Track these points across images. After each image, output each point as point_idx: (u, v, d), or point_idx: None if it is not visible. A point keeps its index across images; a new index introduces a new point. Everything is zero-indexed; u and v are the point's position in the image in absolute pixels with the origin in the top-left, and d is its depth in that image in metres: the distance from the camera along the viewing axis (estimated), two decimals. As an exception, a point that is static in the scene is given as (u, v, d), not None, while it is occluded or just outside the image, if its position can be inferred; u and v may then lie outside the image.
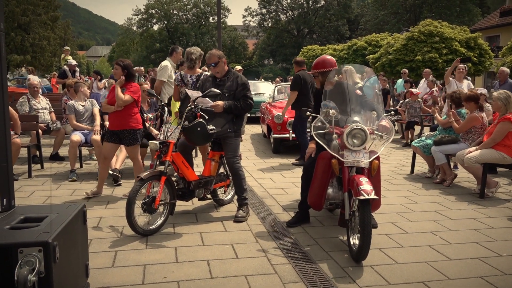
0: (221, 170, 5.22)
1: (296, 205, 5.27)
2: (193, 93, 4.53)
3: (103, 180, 5.48)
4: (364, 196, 3.48)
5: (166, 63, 6.50)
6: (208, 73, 5.62)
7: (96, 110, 7.12)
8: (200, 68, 5.93)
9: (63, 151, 8.43)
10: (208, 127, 4.45)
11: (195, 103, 4.47)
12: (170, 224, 4.55)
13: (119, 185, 6.21)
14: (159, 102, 4.60)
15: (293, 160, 8.34)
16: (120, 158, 6.42)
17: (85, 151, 8.34)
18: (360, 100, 4.10)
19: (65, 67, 12.37)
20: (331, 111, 3.86)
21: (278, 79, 25.75)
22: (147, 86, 7.06)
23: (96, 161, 6.96)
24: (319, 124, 4.00)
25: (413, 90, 11.23)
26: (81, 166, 7.39)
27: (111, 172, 6.11)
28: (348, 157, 3.84)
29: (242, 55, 59.71)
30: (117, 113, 5.17)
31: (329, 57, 4.61)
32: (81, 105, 6.93)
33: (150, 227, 4.27)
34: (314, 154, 4.51)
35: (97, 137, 6.54)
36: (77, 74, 12.63)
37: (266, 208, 5.21)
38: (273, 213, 5.00)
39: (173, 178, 5.40)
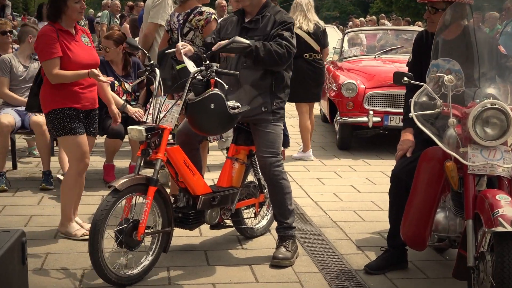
0: (250, 177, 5.25)
1: (379, 240, 5.22)
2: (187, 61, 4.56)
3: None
4: (504, 227, 3.41)
5: None
6: (212, 11, 5.58)
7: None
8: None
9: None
10: (229, 103, 4.46)
11: (207, 63, 4.48)
12: (162, 267, 4.60)
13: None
14: (147, 61, 4.65)
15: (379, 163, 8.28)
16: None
17: (21, 141, 8.53)
18: (498, 60, 4.01)
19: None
20: (447, 77, 3.80)
21: (350, 22, 25.52)
22: (118, 31, 7.14)
23: (40, 158, 7.12)
24: (425, 99, 3.96)
25: None
26: (14, 167, 7.59)
27: (62, 178, 6.24)
28: (476, 157, 3.78)
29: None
30: (92, 82, 5.23)
31: None
32: (23, 65, 7.09)
33: (130, 272, 4.33)
34: (410, 152, 4.46)
35: (39, 118, 6.68)
36: (8, 11, 12.93)
37: (327, 244, 5.20)
38: (339, 253, 5.00)
39: (169, 190, 5.45)
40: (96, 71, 5.00)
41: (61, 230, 5.24)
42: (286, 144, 8.11)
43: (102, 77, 5.09)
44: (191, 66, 4.51)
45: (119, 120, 5.61)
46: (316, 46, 8.43)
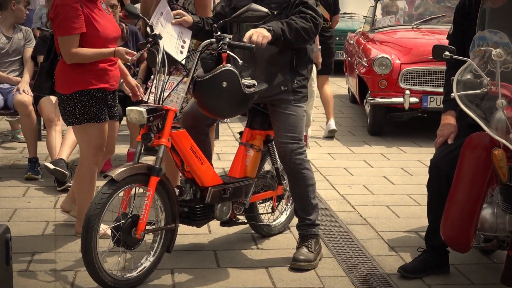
0: (267, 166, 5.27)
1: (416, 240, 5.23)
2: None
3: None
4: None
5: None
6: None
7: (30, 51, 7.28)
8: None
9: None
10: (244, 81, 4.47)
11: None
12: (166, 269, 4.63)
13: (67, 190, 6.36)
14: (148, 30, 4.64)
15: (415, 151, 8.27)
16: (68, 142, 6.58)
17: (4, 123, 8.58)
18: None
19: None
20: (495, 51, 3.78)
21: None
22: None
23: (25, 143, 7.16)
24: (469, 77, 3.94)
25: None
26: (-5, 154, 7.67)
27: (51, 166, 6.28)
28: (528, 145, 3.76)
29: None
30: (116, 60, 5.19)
31: None
32: (5, 36, 7.14)
33: (128, 275, 4.36)
34: (452, 138, 4.46)
35: (25, 97, 6.72)
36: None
37: (356, 243, 5.22)
38: (370, 254, 5.01)
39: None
40: (123, 49, 4.92)
41: (79, 232, 4.96)
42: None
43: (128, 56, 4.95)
44: (167, 42, 4.52)
45: (139, 93, 5.48)
46: (326, 14, 8.49)
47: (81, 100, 4.86)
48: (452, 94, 3.94)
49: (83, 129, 4.96)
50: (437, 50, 4.22)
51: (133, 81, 5.41)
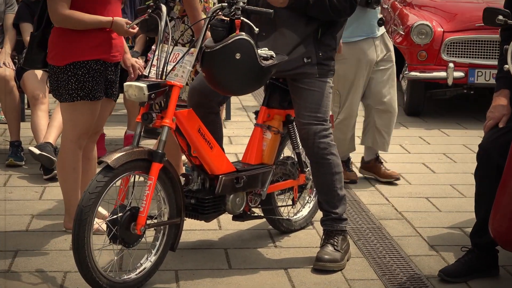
0: (287, 152, 5.29)
1: (460, 237, 5.23)
2: None
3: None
4: None
5: None
6: None
7: (11, 18, 7.32)
8: None
9: None
10: (260, 52, 4.47)
11: None
12: (169, 271, 4.66)
13: (54, 177, 6.39)
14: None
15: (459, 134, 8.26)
16: (55, 124, 6.61)
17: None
18: None
19: None
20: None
21: None
22: None
23: (6, 124, 7.20)
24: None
25: None
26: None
27: (37, 151, 6.32)
28: None
29: None
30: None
31: None
32: None
33: (126, 277, 4.38)
34: (504, 121, 4.43)
35: (6, 70, 6.76)
36: None
37: (390, 241, 5.24)
38: (406, 254, 5.02)
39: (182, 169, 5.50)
40: (123, 20, 4.89)
41: (68, 227, 5.09)
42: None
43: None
44: None
45: (138, 71, 5.44)
46: None
47: (76, 73, 4.85)
48: (506, 65, 3.92)
49: (73, 106, 4.96)
50: (489, 14, 4.19)
51: (131, 59, 5.38)
